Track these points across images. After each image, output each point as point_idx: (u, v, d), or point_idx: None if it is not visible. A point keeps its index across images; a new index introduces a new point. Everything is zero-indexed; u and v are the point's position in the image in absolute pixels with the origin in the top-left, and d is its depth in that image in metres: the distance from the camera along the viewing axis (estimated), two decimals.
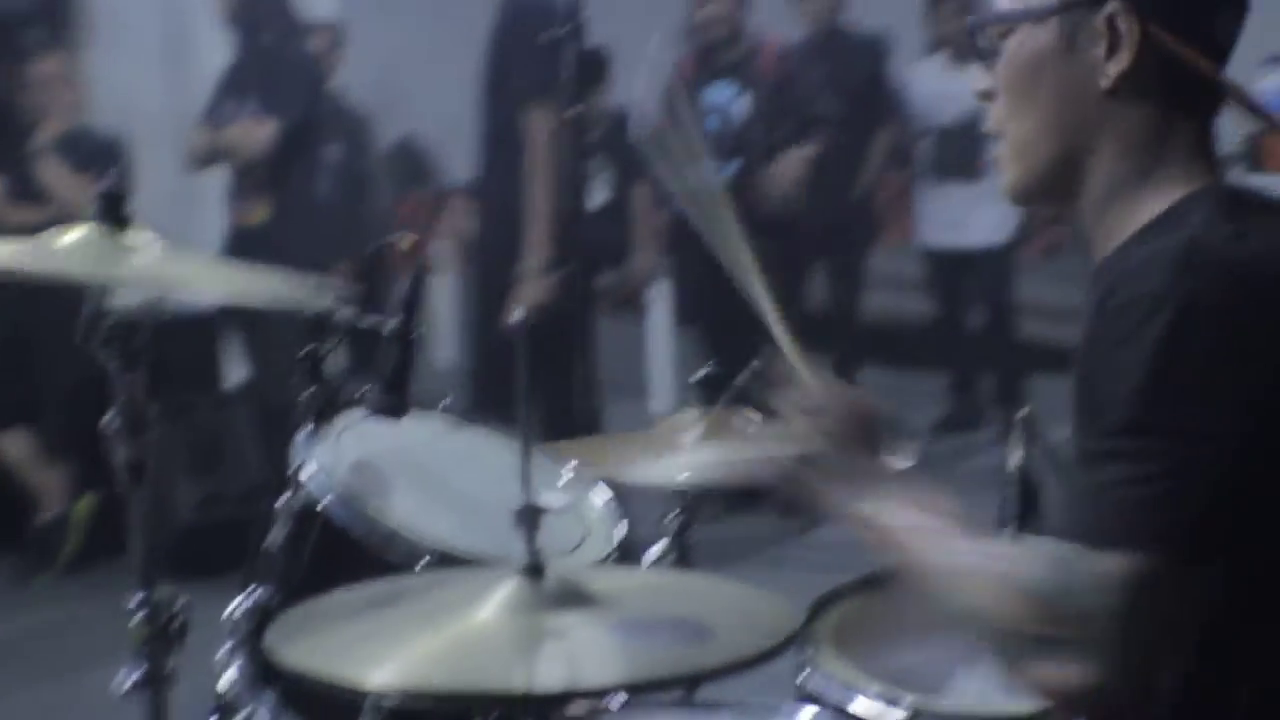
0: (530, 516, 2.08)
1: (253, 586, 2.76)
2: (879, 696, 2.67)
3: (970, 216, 8.86)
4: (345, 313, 2.83)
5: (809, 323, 8.20)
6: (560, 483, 2.87)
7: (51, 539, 6.99)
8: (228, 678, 2.76)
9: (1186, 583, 1.86)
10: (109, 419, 2.62)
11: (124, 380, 2.62)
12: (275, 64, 7.10)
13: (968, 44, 7.17)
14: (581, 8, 3.96)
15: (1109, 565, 1.85)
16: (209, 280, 2.85)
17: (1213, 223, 1.97)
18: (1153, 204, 2.05)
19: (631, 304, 8.83)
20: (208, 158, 7.10)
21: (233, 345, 7.41)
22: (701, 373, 3.19)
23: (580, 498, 2.86)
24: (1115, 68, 2.04)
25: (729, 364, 3.10)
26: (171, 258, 2.72)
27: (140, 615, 2.60)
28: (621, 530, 2.84)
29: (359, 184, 7.92)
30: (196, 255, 2.79)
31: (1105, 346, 1.94)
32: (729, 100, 7.77)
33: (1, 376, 6.98)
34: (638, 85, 2.54)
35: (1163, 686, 1.91)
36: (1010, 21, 2.11)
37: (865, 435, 2.19)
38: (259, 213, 6.93)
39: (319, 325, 2.82)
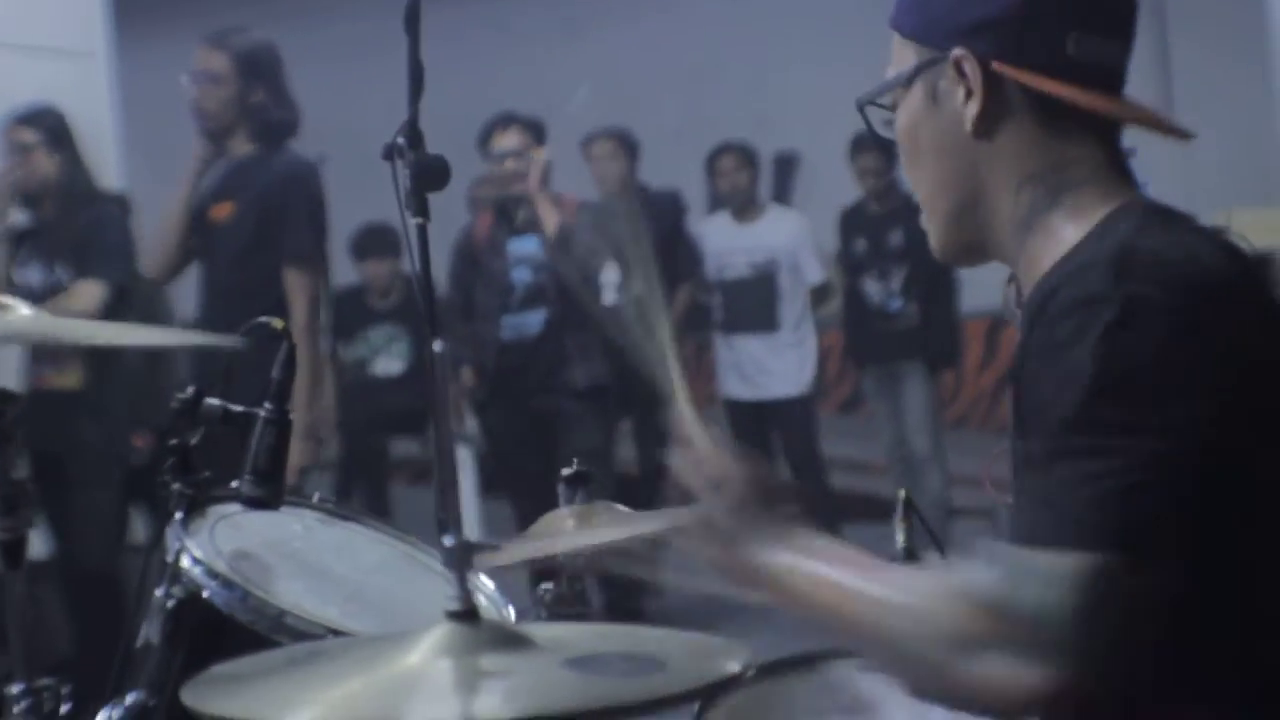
0: (463, 555, 1.99)
1: (124, 691, 2.65)
2: None
3: (768, 368, 8.93)
4: (213, 402, 2.74)
5: (621, 483, 8.18)
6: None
7: None
8: None
9: (1143, 580, 1.82)
10: None
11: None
12: (86, 230, 6.95)
13: (747, 200, 7.29)
14: (418, 117, 3.90)
15: (1063, 564, 1.81)
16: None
17: (1143, 229, 1.99)
18: (1074, 226, 2.06)
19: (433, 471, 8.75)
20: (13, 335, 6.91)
21: (40, 519, 7.20)
22: (569, 470, 3.13)
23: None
24: (971, 110, 2.09)
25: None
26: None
27: (22, 705, 2.47)
28: (510, 616, 2.78)
29: (159, 355, 7.78)
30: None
31: (1046, 351, 1.92)
32: (534, 251, 7.78)
33: None
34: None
35: (1119, 686, 1.87)
36: (884, 92, 2.20)
37: (766, 499, 2.16)
38: (70, 377, 6.77)
39: (187, 413, 2.72)
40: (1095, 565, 1.80)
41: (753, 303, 8.94)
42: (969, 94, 2.08)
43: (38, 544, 7.22)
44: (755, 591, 2.08)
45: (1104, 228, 2.02)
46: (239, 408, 2.73)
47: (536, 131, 7.76)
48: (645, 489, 8.53)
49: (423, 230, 4.04)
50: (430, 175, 3.98)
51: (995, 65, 2.07)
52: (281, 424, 2.69)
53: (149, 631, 2.63)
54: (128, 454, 6.95)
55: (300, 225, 6.15)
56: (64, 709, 2.57)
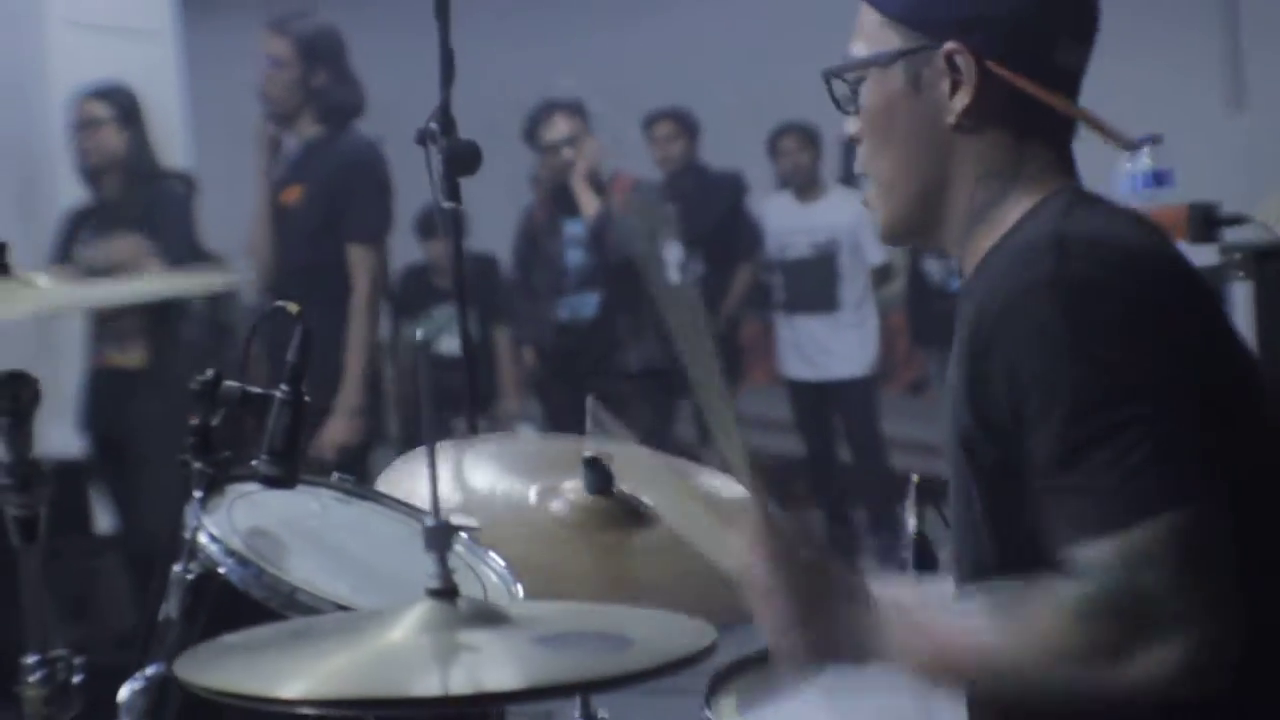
0: (441, 536, 2.07)
1: (148, 663, 2.73)
2: None
3: (829, 348, 8.97)
4: (232, 383, 2.82)
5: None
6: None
7: None
8: None
9: (1213, 523, 1.89)
10: None
11: (13, 436, 2.59)
12: (151, 206, 7.09)
13: (809, 181, 7.36)
14: (450, 103, 4.00)
15: (1143, 540, 1.87)
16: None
17: (1071, 212, 2.08)
18: (1010, 216, 2.13)
19: None
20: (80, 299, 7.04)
21: (102, 492, 7.34)
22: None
23: (476, 559, 2.85)
24: (959, 104, 2.15)
25: None
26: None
27: (36, 675, 2.57)
28: (519, 593, 2.84)
29: (222, 331, 7.90)
30: None
31: (1007, 350, 1.99)
32: (586, 233, 7.86)
33: None
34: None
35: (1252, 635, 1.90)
36: (859, 68, 2.23)
37: (823, 565, 2.15)
38: (133, 355, 6.89)
39: (207, 395, 2.81)
40: (1170, 528, 1.87)
41: (814, 283, 9.00)
42: (956, 87, 2.14)
43: (103, 519, 7.37)
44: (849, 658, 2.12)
45: (1034, 213, 2.12)
46: (257, 390, 2.81)
47: (583, 115, 7.84)
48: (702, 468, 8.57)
49: (455, 214, 4.17)
50: (462, 160, 4.11)
51: (991, 64, 2.12)
52: (297, 405, 2.77)
53: (169, 606, 2.72)
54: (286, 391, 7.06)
55: (364, 206, 6.29)
56: (75, 679, 2.65)
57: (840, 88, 2.25)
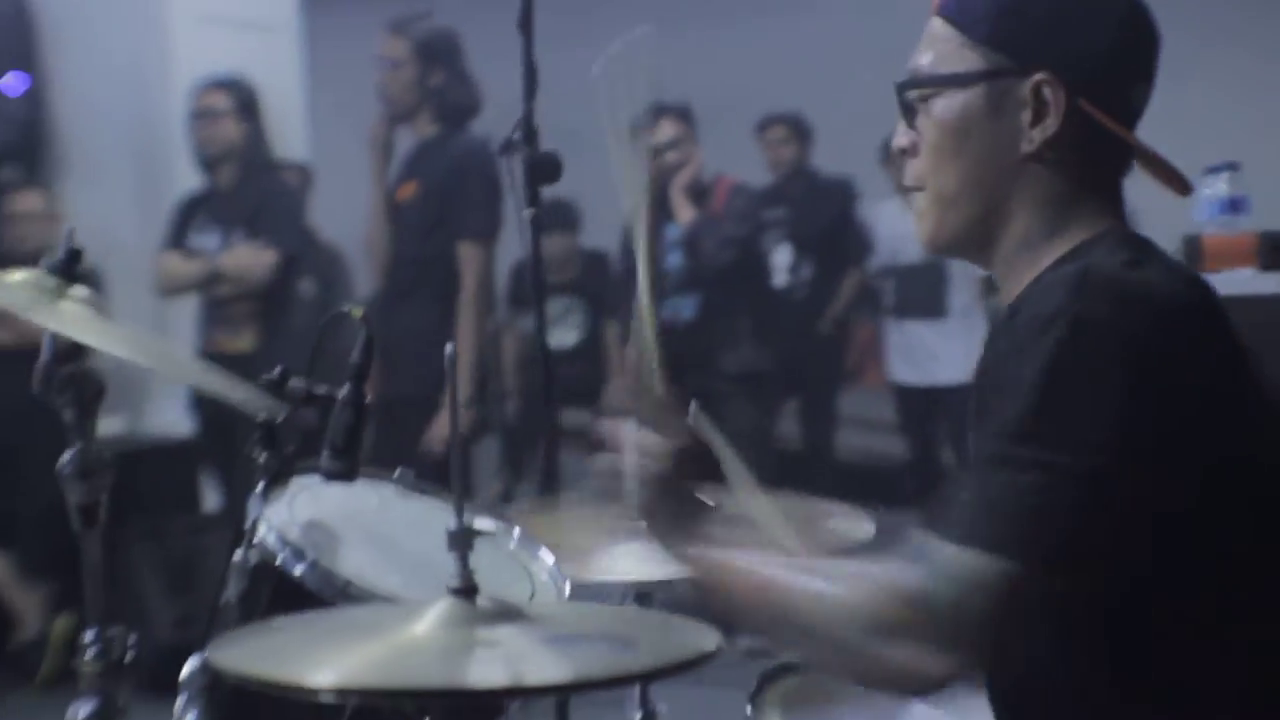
0: (463, 539, 2.19)
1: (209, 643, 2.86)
2: None
3: (937, 354, 9.01)
4: (298, 381, 2.95)
5: (783, 460, 8.35)
6: (508, 544, 2.99)
7: (29, 658, 7.08)
8: None
9: (1054, 587, 1.97)
10: (63, 463, 2.72)
11: (79, 427, 2.72)
12: (263, 197, 7.26)
13: None
14: (533, 114, 4.13)
15: (981, 569, 1.95)
16: (123, 345, 2.87)
17: (1109, 254, 2.11)
18: (1056, 250, 2.19)
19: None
20: (193, 284, 7.22)
21: (210, 473, 7.53)
22: None
23: (528, 556, 2.96)
24: (1040, 134, 2.18)
25: None
26: (99, 319, 2.80)
27: (92, 651, 2.69)
28: (566, 590, 2.94)
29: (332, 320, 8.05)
30: (127, 326, 2.87)
31: (1003, 361, 2.06)
32: (685, 234, 7.96)
33: None
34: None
35: (1007, 677, 2.09)
36: (939, 85, 2.24)
37: (696, 474, 2.33)
38: (244, 340, 7.06)
39: (273, 393, 2.93)
40: (1011, 573, 1.95)
41: (923, 288, 9.04)
42: (1039, 117, 2.17)
43: (211, 498, 7.57)
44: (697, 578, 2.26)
45: (1078, 251, 2.17)
46: (321, 389, 2.93)
47: (689, 120, 7.93)
48: (806, 468, 8.66)
49: (536, 220, 4.30)
50: (542, 170, 4.24)
51: (1081, 101, 2.16)
52: (358, 404, 2.88)
53: (229, 592, 2.85)
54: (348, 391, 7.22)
55: (475, 204, 6.42)
56: (129, 657, 2.77)
57: (908, 98, 2.28)
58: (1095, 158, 2.21)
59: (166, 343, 3.24)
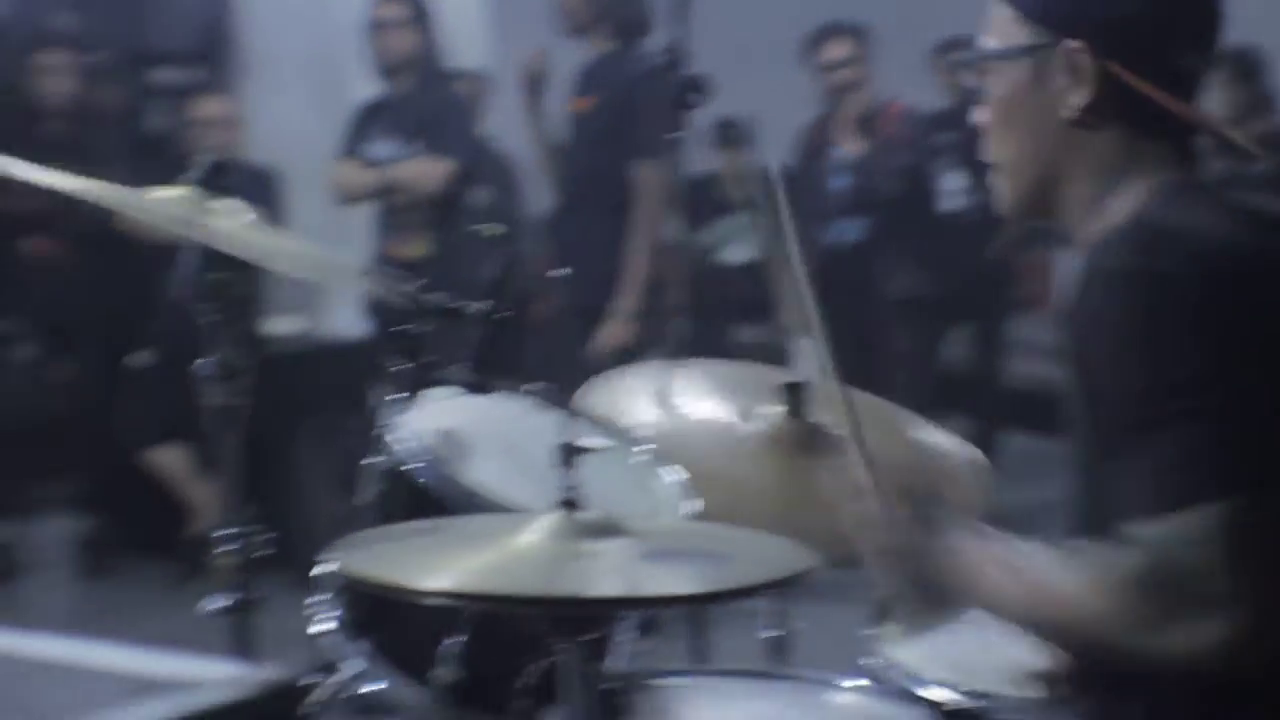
0: (568, 454, 2.29)
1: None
2: (941, 682, 2.78)
3: None
4: (438, 295, 3.05)
5: (950, 384, 8.37)
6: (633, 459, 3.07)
7: (203, 549, 7.30)
8: (322, 626, 2.93)
9: (1271, 516, 2.01)
10: (203, 365, 2.83)
11: (225, 334, 2.83)
12: (438, 108, 7.37)
13: None
14: (683, 40, 4.21)
15: (1198, 521, 1.99)
16: (283, 251, 2.95)
17: (1166, 204, 2.19)
18: (1121, 208, 2.23)
19: (773, 360, 8.99)
20: (369, 193, 7.34)
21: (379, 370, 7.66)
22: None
23: (649, 473, 3.03)
24: (1076, 100, 2.25)
25: None
26: (255, 229, 2.90)
27: (228, 546, 2.81)
28: (689, 508, 3.01)
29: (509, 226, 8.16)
30: (282, 233, 2.97)
31: (1089, 333, 2.12)
32: (854, 159, 7.97)
33: (162, 395, 7.32)
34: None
35: None
36: (986, 60, 2.35)
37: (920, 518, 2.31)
38: (416, 247, 7.18)
39: (415, 305, 3.04)
40: (1221, 514, 1.99)
41: None
42: (1076, 85, 2.24)
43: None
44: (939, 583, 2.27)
45: (1140, 205, 2.21)
46: (459, 303, 3.03)
47: (863, 39, 7.93)
48: (975, 392, 8.67)
49: (679, 145, 4.37)
50: (689, 94, 4.31)
51: (1111, 66, 2.22)
52: (495, 319, 2.98)
53: (362, 495, 2.96)
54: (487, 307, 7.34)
55: (650, 121, 6.47)
56: (266, 553, 2.88)
57: (969, 77, 2.43)
58: (1141, 120, 2.26)
59: (324, 250, 3.29)
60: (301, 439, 7.45)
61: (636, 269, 6.57)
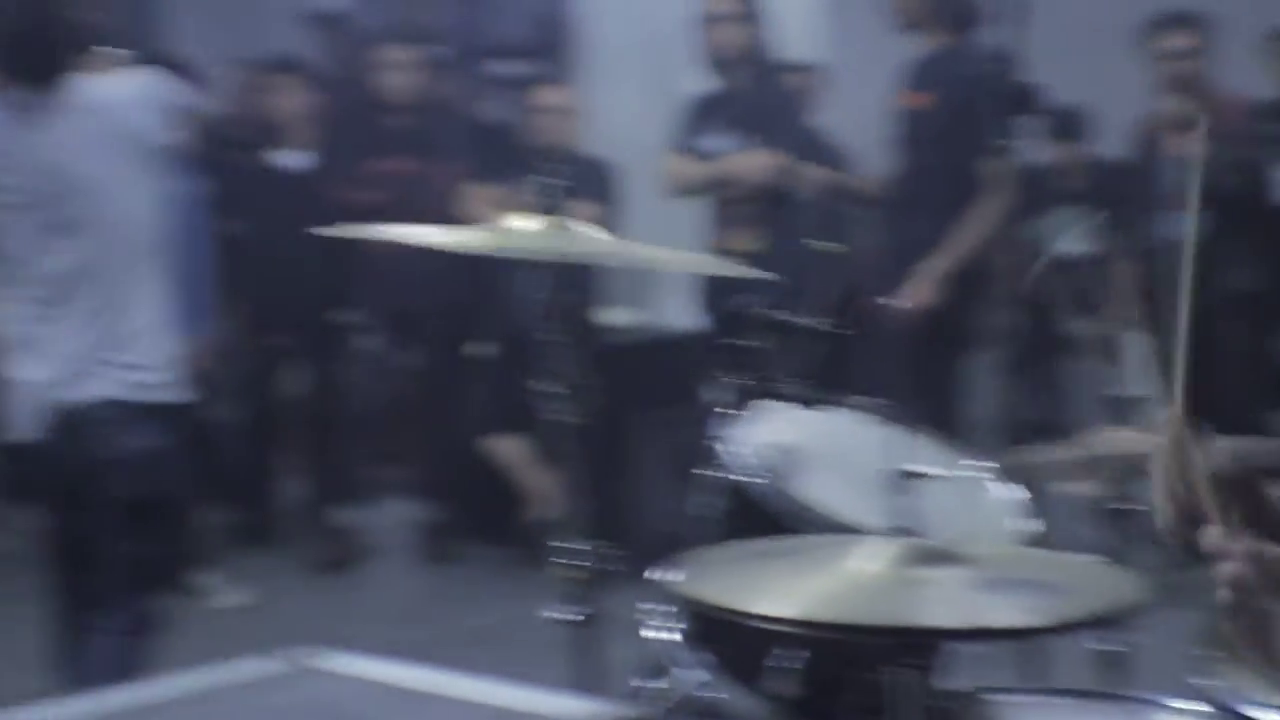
0: (902, 481, 2.32)
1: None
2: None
3: None
4: (779, 310, 3.09)
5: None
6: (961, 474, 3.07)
7: (541, 537, 7.46)
8: (658, 635, 2.97)
9: None
10: (541, 381, 2.90)
11: (565, 352, 2.90)
12: (769, 101, 7.42)
13: None
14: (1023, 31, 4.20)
15: None
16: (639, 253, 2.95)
17: None
18: None
19: (1104, 352, 8.88)
20: (701, 185, 7.41)
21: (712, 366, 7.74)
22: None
23: (977, 491, 3.04)
24: None
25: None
26: (600, 239, 2.92)
27: (573, 561, 2.88)
28: (1029, 527, 2.98)
29: (838, 223, 8.17)
30: (628, 239, 3.02)
31: None
32: (1191, 153, 7.81)
33: (503, 385, 7.50)
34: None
35: None
36: None
37: None
38: (746, 240, 7.23)
39: (756, 320, 3.08)
40: None
41: None
42: None
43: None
44: None
45: None
46: (795, 317, 3.06)
47: (1206, 31, 7.77)
48: None
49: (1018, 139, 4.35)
50: (1026, 88, 4.29)
51: None
52: (833, 336, 3.01)
53: (695, 507, 3.01)
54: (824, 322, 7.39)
55: (991, 117, 6.45)
56: (611, 569, 2.92)
57: None
58: None
59: (662, 248, 3.29)
60: (636, 429, 7.56)
61: (963, 237, 6.55)
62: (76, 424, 4.07)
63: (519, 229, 2.89)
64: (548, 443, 7.45)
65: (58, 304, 4.13)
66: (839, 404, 3.18)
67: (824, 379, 3.11)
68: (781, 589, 2.29)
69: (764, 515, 2.89)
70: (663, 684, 2.93)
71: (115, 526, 4.07)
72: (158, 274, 4.24)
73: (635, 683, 2.96)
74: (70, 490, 4.18)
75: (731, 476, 2.97)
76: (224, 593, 7.37)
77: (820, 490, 2.94)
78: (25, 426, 4.17)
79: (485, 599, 7.23)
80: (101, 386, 4.06)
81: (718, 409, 3.04)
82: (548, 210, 2.86)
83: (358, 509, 8.02)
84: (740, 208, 7.30)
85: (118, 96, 4.13)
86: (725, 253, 7.13)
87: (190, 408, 4.22)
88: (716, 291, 7.20)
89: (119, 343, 4.09)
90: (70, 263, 4.11)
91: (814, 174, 7.26)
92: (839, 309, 3.06)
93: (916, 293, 6.52)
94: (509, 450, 7.61)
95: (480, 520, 8.05)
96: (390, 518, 8.24)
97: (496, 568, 7.64)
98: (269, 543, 8.19)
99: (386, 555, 8.02)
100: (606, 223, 6.39)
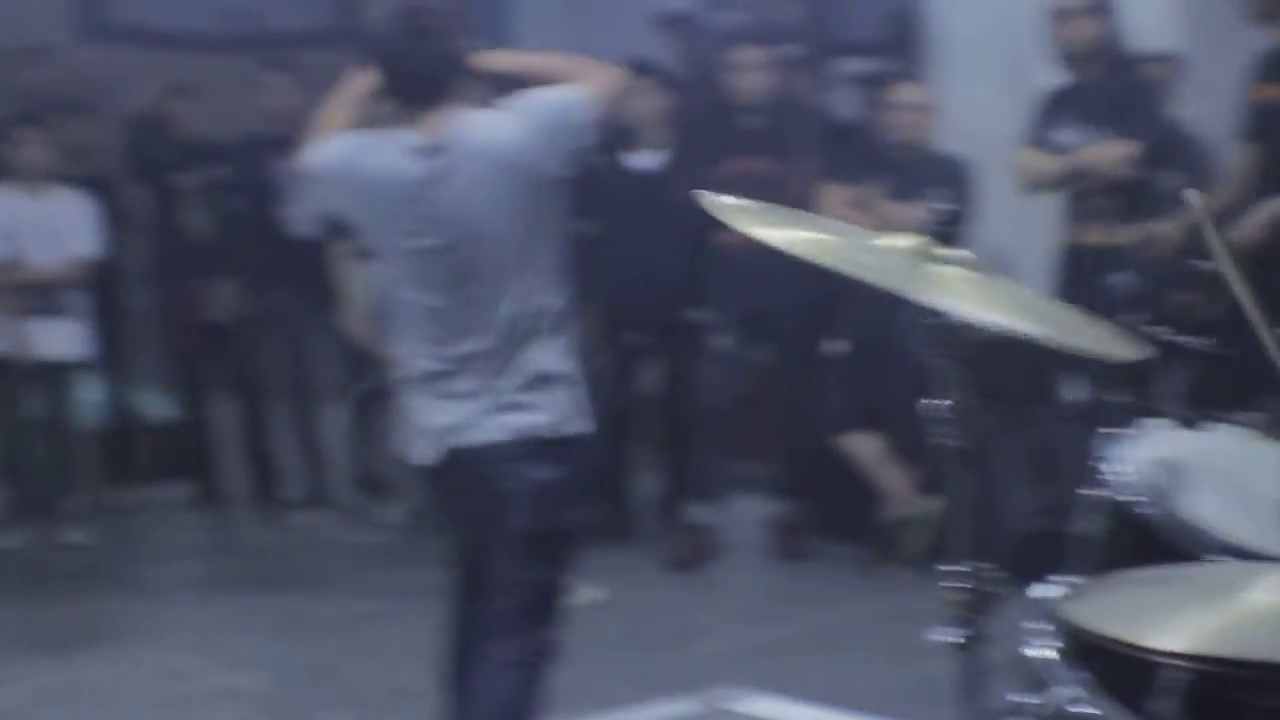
0: None
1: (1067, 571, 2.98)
2: None
3: None
4: (1163, 331, 3.04)
5: None
6: None
7: (894, 535, 7.46)
8: (1038, 651, 2.98)
9: None
10: (931, 406, 2.87)
11: (950, 378, 2.87)
12: (1125, 93, 7.29)
13: None
14: None
15: None
16: (999, 311, 2.90)
17: None
18: None
19: None
20: (1056, 180, 7.31)
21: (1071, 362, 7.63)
22: None
23: None
24: None
25: None
26: (975, 283, 2.87)
27: (959, 583, 2.86)
28: None
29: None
30: (1004, 287, 2.96)
31: None
32: None
33: (857, 383, 7.50)
34: None
35: None
36: None
37: None
38: (1104, 235, 7.11)
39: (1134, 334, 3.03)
40: None
41: None
42: None
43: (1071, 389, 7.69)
44: None
45: None
46: (1180, 338, 3.02)
47: None
48: None
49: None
50: None
51: None
52: (1211, 356, 2.96)
53: (1083, 525, 2.98)
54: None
55: None
56: (995, 590, 2.90)
57: None
58: None
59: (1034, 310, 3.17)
60: (993, 428, 7.50)
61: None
62: (477, 459, 4.08)
63: (885, 248, 2.86)
64: (900, 442, 7.47)
65: (460, 346, 4.14)
66: (1223, 422, 3.13)
67: (1204, 398, 3.06)
68: (1169, 621, 2.26)
69: (1152, 536, 2.85)
70: (1040, 699, 2.91)
71: (513, 557, 4.12)
72: (557, 309, 4.25)
73: (1013, 698, 2.94)
74: (470, 519, 4.22)
75: (1118, 498, 2.94)
76: (580, 589, 7.46)
77: (1209, 510, 2.89)
78: (426, 458, 4.18)
79: (838, 597, 7.23)
80: (504, 430, 4.06)
81: (1102, 428, 3.01)
82: (933, 235, 2.84)
83: (712, 506, 8.07)
84: (1096, 201, 7.19)
85: (509, 134, 4.10)
86: (1079, 247, 7.05)
87: (589, 438, 4.23)
88: (1067, 286, 7.11)
89: (522, 384, 4.10)
90: (475, 308, 4.16)
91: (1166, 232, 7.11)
92: (1225, 331, 2.98)
93: (1246, 232, 6.27)
94: (863, 448, 7.61)
95: (833, 518, 8.06)
96: (744, 515, 8.27)
97: (849, 565, 7.64)
98: (624, 539, 8.28)
99: (740, 552, 8.05)
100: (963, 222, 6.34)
